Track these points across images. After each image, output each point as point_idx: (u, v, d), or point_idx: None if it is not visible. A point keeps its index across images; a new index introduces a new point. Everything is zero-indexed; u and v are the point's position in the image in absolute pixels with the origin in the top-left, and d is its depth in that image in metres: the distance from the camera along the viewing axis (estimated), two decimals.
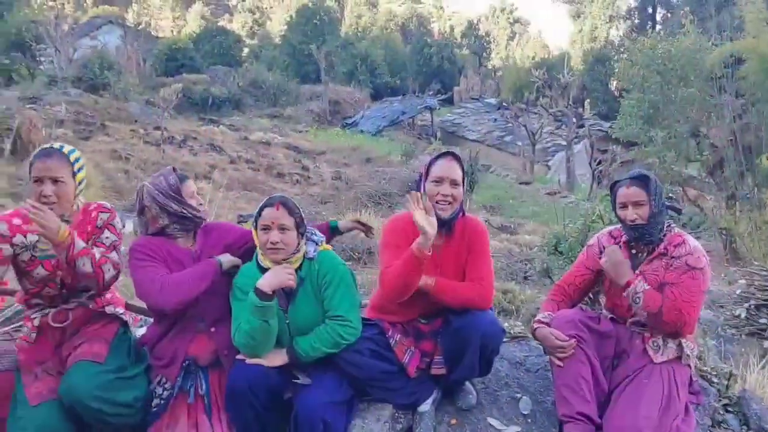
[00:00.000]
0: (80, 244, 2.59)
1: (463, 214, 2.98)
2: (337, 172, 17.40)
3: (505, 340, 3.33)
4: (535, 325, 2.98)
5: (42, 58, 24.05)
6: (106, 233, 2.81)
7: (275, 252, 2.68)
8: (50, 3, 29.15)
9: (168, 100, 17.83)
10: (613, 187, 3.02)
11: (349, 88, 34.41)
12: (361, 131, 26.78)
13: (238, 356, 2.69)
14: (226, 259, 2.83)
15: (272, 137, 20.97)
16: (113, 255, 2.77)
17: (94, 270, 2.63)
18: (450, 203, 2.85)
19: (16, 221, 2.67)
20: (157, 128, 17.06)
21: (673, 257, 2.88)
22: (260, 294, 2.58)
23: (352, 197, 14.29)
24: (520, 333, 3.60)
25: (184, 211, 2.82)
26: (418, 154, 20.70)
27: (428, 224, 2.62)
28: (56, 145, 2.76)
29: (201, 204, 2.91)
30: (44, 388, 2.55)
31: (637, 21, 52.41)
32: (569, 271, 3.23)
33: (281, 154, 18.96)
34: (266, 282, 2.60)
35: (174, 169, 2.92)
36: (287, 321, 2.75)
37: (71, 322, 2.77)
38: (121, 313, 2.88)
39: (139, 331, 3.07)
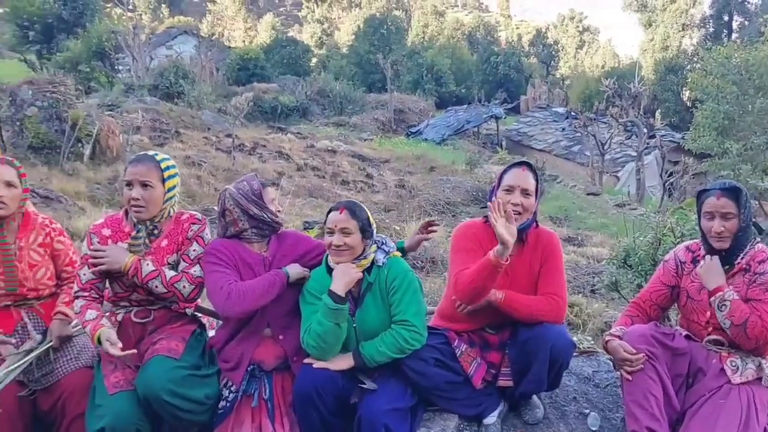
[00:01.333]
0: (147, 269, 2.75)
1: (537, 225, 2.94)
2: (400, 180, 17.43)
3: (574, 354, 3.27)
4: (607, 338, 2.91)
5: (120, 67, 25.10)
6: (194, 246, 2.91)
7: (339, 254, 2.75)
8: (129, 14, 30.38)
9: (239, 108, 18.27)
10: (700, 196, 2.88)
11: (415, 96, 34.49)
12: (426, 140, 26.75)
13: (306, 360, 2.74)
14: (294, 271, 2.87)
15: (338, 145, 21.20)
16: (195, 269, 2.87)
17: (167, 289, 2.78)
18: (520, 213, 2.81)
19: (106, 231, 2.85)
20: (229, 135, 17.52)
21: (756, 273, 2.76)
22: (334, 296, 2.64)
23: (415, 205, 14.29)
24: (590, 347, 3.52)
25: (264, 215, 2.88)
26: (482, 163, 20.53)
27: (508, 233, 2.60)
28: (151, 152, 2.90)
29: (279, 211, 2.98)
30: (122, 379, 2.66)
31: (711, 29, 50.57)
32: (645, 288, 3.13)
33: (346, 161, 19.14)
34: (339, 284, 2.67)
35: (256, 175, 3.00)
36: (354, 326, 2.79)
37: (152, 320, 2.90)
38: (200, 316, 2.98)
39: (212, 334, 3.17)
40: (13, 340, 2.88)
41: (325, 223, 2.80)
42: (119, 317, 2.89)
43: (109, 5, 35.06)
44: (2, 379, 2.69)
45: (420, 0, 68.40)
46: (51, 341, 2.88)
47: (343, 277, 2.70)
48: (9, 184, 2.86)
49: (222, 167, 14.85)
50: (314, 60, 44.24)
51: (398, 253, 2.93)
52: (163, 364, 2.60)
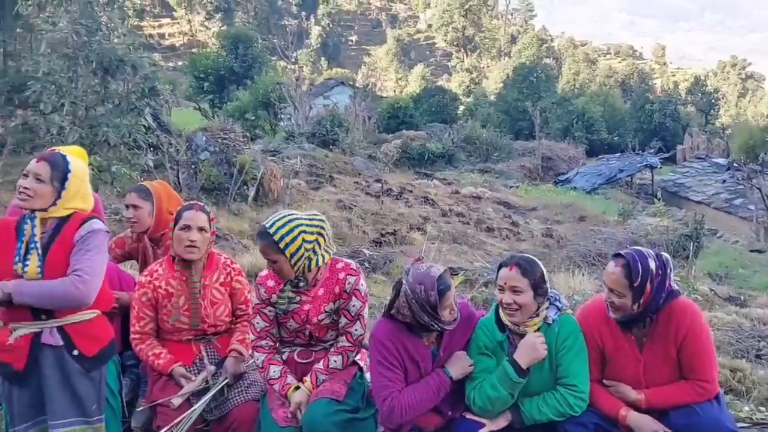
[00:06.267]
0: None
1: (669, 297, 2.67)
2: (548, 229, 17.06)
3: (745, 425, 3.04)
4: None
5: (282, 116, 26.81)
6: (353, 301, 2.99)
7: (512, 314, 2.69)
8: (292, 66, 32.56)
9: (388, 154, 18.91)
10: None
11: (564, 144, 33.82)
12: (575, 188, 26.05)
13: (467, 416, 2.75)
14: (457, 370, 2.80)
15: (483, 192, 21.21)
16: (356, 327, 3.00)
17: (344, 367, 3.00)
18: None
19: (270, 282, 3.03)
20: (378, 181, 18.13)
21: None
22: (518, 368, 2.62)
23: (563, 256, 13.89)
24: (763, 419, 3.24)
25: (434, 325, 2.71)
26: (636, 214, 19.61)
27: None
28: (270, 221, 2.92)
29: (453, 313, 2.78)
30: (289, 414, 2.86)
31: None
32: None
33: (491, 208, 19.07)
34: (525, 358, 2.63)
35: (441, 277, 2.70)
36: None
37: (313, 360, 3.06)
38: (359, 359, 3.13)
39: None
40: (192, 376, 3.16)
41: (496, 278, 2.76)
42: (284, 356, 3.09)
43: (274, 58, 37.93)
44: (190, 416, 2.97)
45: (571, 48, 67.54)
46: (226, 378, 3.12)
47: (531, 352, 2.64)
48: (201, 229, 3.14)
49: (371, 211, 15.35)
50: (462, 108, 44.82)
51: (570, 311, 2.85)
52: (327, 407, 2.75)
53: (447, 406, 2.82)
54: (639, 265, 2.59)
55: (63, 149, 2.90)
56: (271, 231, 2.83)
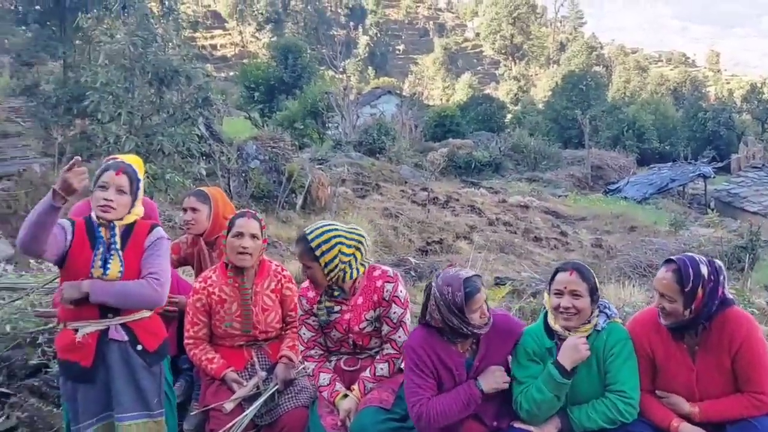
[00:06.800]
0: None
1: (723, 306, 2.62)
2: (597, 240, 16.76)
3: None
4: None
5: (330, 124, 27.11)
6: (393, 308, 3.05)
7: (568, 318, 2.69)
8: (340, 76, 32.91)
9: (435, 163, 18.91)
10: None
11: (614, 153, 33.21)
12: (625, 198, 25.53)
13: (516, 425, 2.75)
14: (490, 384, 2.77)
15: (530, 201, 20.99)
16: (399, 334, 3.05)
17: (390, 375, 3.06)
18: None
19: (311, 294, 3.12)
20: (424, 189, 18.14)
21: None
22: (561, 369, 2.61)
23: (613, 267, 13.62)
24: None
25: (464, 329, 2.70)
26: (689, 225, 19.11)
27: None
28: (310, 227, 3.05)
29: (484, 317, 2.75)
30: (339, 421, 2.91)
31: None
32: None
33: (539, 218, 18.85)
34: (568, 359, 2.63)
35: (469, 279, 2.71)
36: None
37: (359, 368, 3.12)
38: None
39: None
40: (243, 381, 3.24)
41: (550, 282, 2.77)
42: (331, 365, 3.15)
43: (322, 68, 38.37)
44: (242, 421, 3.04)
45: (621, 55, 66.41)
46: (277, 384, 3.18)
47: (573, 353, 2.64)
48: (254, 236, 3.23)
49: (417, 219, 15.35)
50: (509, 116, 44.50)
51: (618, 319, 2.83)
52: (376, 415, 2.80)
53: (491, 417, 2.80)
54: (690, 269, 2.57)
55: (122, 157, 3.04)
56: (309, 237, 2.92)
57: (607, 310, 2.77)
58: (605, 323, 2.73)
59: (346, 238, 2.95)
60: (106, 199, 2.77)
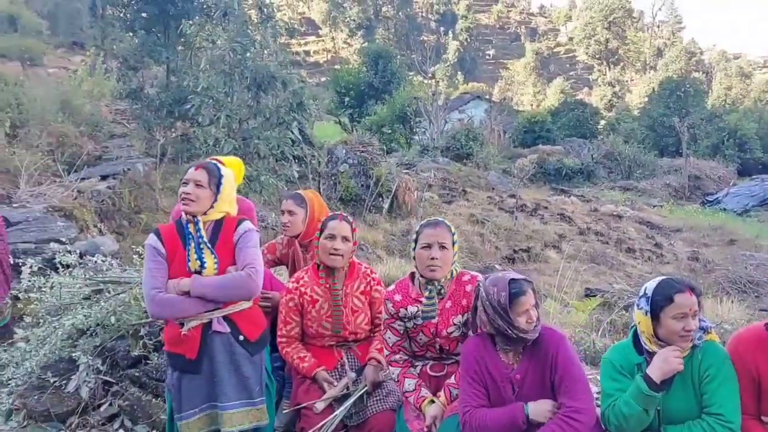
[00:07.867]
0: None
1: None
2: (694, 252, 16.03)
3: None
4: None
5: (417, 129, 27.24)
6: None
7: (685, 339, 2.56)
8: (429, 81, 32.99)
9: (523, 169, 18.62)
10: None
11: (713, 162, 31.63)
12: (725, 209, 24.27)
13: None
14: (538, 412, 2.64)
15: (624, 210, 20.31)
16: None
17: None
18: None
19: (397, 297, 3.14)
20: (512, 196, 17.92)
21: None
22: (650, 382, 2.53)
23: (711, 281, 13.00)
24: None
25: (509, 332, 2.65)
26: None
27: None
28: (440, 218, 3.17)
29: (531, 322, 2.68)
30: (425, 428, 2.92)
31: None
32: None
33: (632, 228, 18.21)
34: (658, 371, 2.54)
35: (515, 280, 2.70)
36: (658, 407, 2.62)
37: (446, 374, 3.12)
38: None
39: None
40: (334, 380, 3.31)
41: (669, 304, 2.56)
42: (417, 370, 3.16)
43: (412, 73, 38.58)
44: (332, 421, 3.11)
45: (723, 61, 63.17)
46: (366, 386, 3.24)
47: (665, 365, 2.53)
48: (345, 239, 3.30)
49: (504, 226, 15.19)
50: (602, 122, 43.21)
51: (715, 336, 2.69)
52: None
53: None
54: None
55: (223, 159, 3.21)
56: (448, 223, 3.08)
57: (703, 322, 2.62)
58: (701, 339, 2.60)
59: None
60: (185, 193, 2.95)
